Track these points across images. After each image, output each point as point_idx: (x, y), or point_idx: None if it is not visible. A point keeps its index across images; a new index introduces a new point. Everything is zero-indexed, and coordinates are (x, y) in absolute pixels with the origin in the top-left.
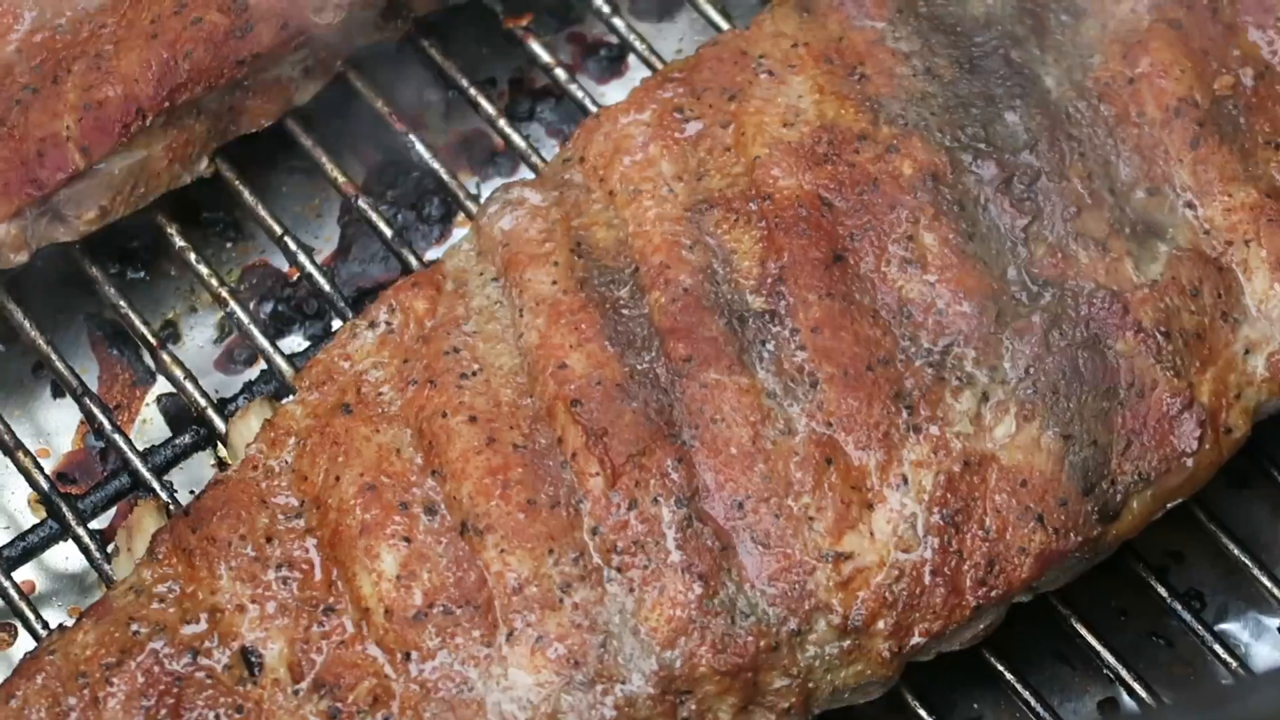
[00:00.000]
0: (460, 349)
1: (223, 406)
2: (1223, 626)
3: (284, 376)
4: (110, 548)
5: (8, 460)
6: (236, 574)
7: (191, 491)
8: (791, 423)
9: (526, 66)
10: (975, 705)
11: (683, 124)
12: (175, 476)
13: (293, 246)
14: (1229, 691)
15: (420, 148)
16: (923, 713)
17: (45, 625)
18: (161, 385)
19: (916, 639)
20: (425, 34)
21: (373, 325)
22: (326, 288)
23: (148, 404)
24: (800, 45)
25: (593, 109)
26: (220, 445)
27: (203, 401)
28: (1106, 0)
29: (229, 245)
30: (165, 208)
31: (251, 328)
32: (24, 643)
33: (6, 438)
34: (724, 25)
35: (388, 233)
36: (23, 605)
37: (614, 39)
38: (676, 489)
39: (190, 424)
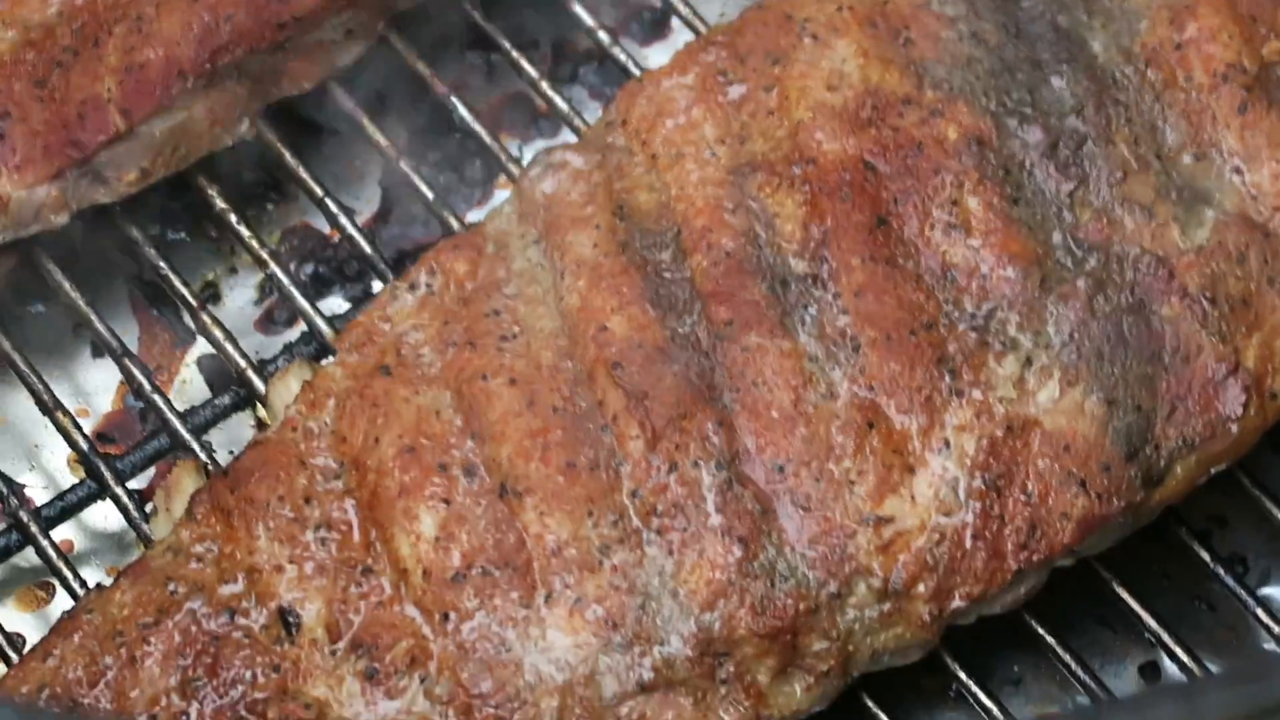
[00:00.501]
0: (501, 311)
1: (262, 368)
2: (1266, 591)
3: (324, 338)
4: (149, 508)
5: (47, 420)
6: (275, 534)
7: (231, 452)
8: (833, 387)
9: (569, 29)
10: (1015, 668)
11: (726, 87)
12: (214, 437)
13: (333, 208)
14: (1270, 665)
15: (462, 110)
16: (963, 675)
17: (83, 584)
18: (201, 346)
19: (957, 602)
20: None
21: (413, 287)
22: (367, 250)
23: (187, 365)
24: (845, 9)
25: (636, 72)
26: (260, 406)
27: (242, 362)
28: None
29: (270, 207)
30: (206, 169)
31: (292, 289)
32: (62, 601)
33: (46, 397)
34: None
35: (429, 195)
36: (61, 564)
37: (657, 2)
38: (717, 452)
39: (230, 385)
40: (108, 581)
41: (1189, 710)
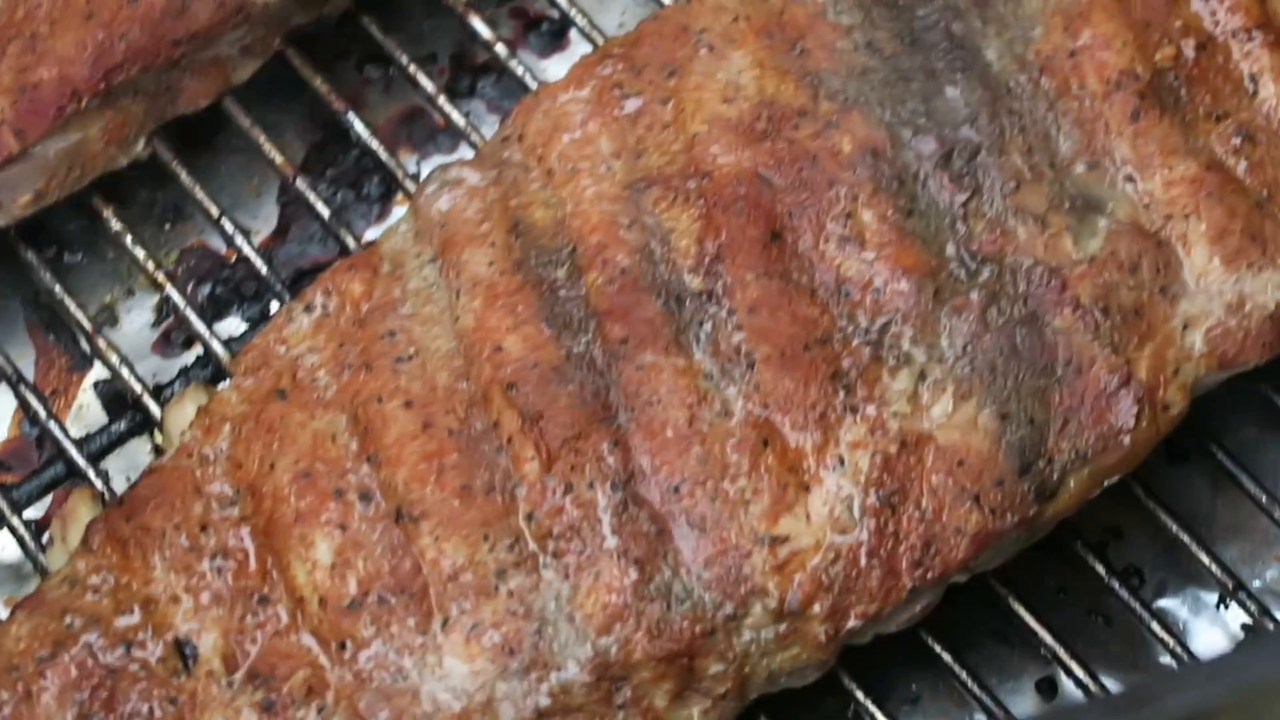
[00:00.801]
0: (396, 332)
1: (159, 392)
2: (1161, 603)
3: (220, 361)
4: (45, 537)
5: None
6: (171, 564)
7: (128, 479)
8: (728, 404)
9: (467, 42)
10: (914, 686)
11: (622, 101)
12: (111, 463)
13: (230, 229)
14: (1154, 689)
15: (359, 126)
16: (860, 695)
17: None
18: (98, 370)
19: (853, 622)
20: (365, 9)
21: (309, 309)
22: (264, 270)
23: (84, 389)
24: (741, 19)
25: (534, 85)
26: (157, 431)
27: (138, 387)
28: None
29: (166, 227)
30: (101, 189)
31: (188, 311)
32: None
33: None
34: None
35: (326, 213)
36: None
37: (554, 13)
38: (612, 473)
39: (127, 410)
40: (4, 614)
41: None
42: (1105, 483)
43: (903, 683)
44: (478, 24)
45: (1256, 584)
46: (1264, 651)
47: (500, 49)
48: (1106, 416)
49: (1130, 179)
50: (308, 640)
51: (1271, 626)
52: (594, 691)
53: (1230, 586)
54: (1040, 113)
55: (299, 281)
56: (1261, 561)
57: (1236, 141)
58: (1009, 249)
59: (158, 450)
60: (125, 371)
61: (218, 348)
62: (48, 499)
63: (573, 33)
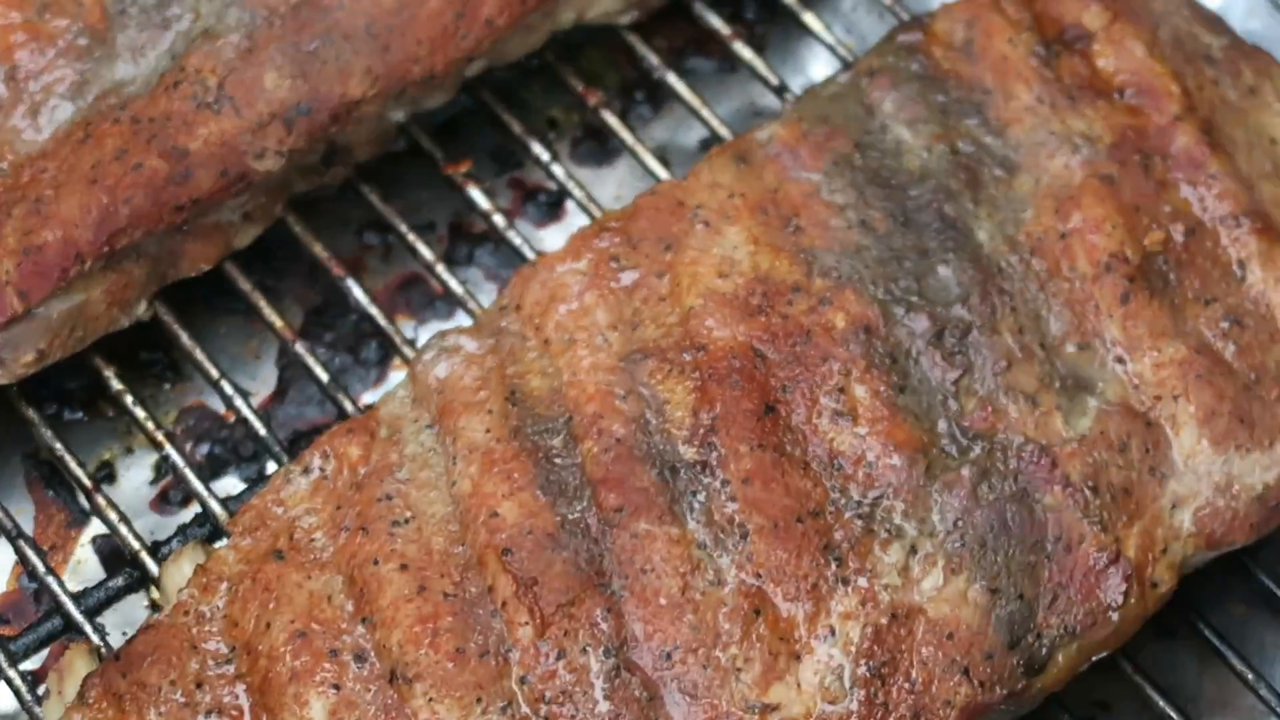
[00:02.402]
0: (393, 496)
1: (156, 550)
2: None
3: (218, 520)
4: (42, 690)
5: None
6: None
7: (124, 633)
8: (721, 573)
9: (465, 211)
10: None
11: (618, 273)
12: (108, 618)
13: (229, 390)
14: None
15: (358, 292)
16: None
17: None
18: (97, 526)
19: None
20: (365, 179)
21: (306, 471)
22: (262, 432)
23: (82, 545)
24: (736, 196)
25: (530, 255)
26: (154, 588)
27: (136, 544)
28: (1040, 155)
29: (167, 386)
30: (103, 349)
31: (186, 471)
32: None
33: None
34: (662, 173)
35: (324, 377)
36: None
37: (552, 185)
38: (605, 639)
39: (124, 566)
40: None
41: None
42: (1093, 658)
43: None
44: (476, 194)
45: None
46: None
47: (498, 219)
48: (1095, 593)
49: (1120, 360)
50: None
51: None
52: None
53: None
54: (1031, 293)
55: (297, 443)
56: None
57: (1225, 325)
58: (1000, 426)
59: (154, 606)
60: (123, 528)
61: (215, 507)
62: (45, 652)
63: (569, 204)
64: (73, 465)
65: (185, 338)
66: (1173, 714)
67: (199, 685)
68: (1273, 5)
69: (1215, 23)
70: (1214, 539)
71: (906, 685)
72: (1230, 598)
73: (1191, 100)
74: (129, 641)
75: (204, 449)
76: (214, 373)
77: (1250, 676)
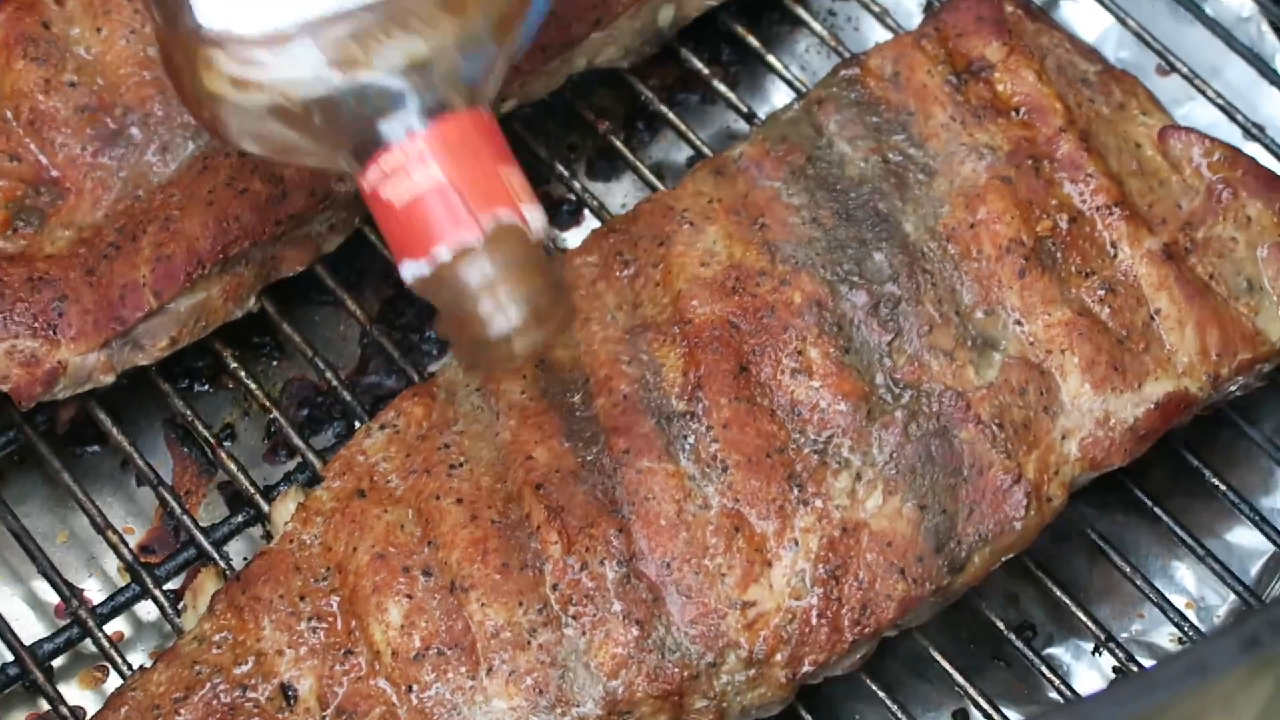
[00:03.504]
0: (450, 445)
1: (268, 493)
2: (1049, 651)
3: (315, 468)
4: (180, 605)
5: (101, 537)
6: (276, 625)
7: (244, 559)
8: (707, 500)
9: None
10: (856, 717)
11: (623, 265)
12: (231, 547)
13: (322, 365)
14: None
15: None
16: None
17: (130, 666)
18: (221, 475)
19: (807, 667)
20: None
21: (383, 427)
22: (348, 398)
23: (210, 490)
24: (715, 201)
25: (555, 252)
26: (266, 522)
27: (252, 489)
28: (953, 162)
29: (273, 363)
30: (222, 335)
31: (289, 430)
32: (114, 681)
33: (99, 519)
34: (658, 185)
35: (396, 353)
36: (112, 651)
37: (572, 197)
38: (618, 553)
39: (243, 506)
40: (149, 664)
41: None
42: (1003, 558)
43: (848, 713)
44: None
45: (1124, 635)
46: (1129, 688)
47: None
48: (1002, 507)
49: (1019, 323)
50: (383, 684)
51: (1135, 669)
52: None
53: (1103, 638)
54: (948, 272)
55: (375, 406)
56: (1127, 618)
57: (1101, 293)
58: (924, 378)
59: (267, 537)
60: (242, 477)
61: (313, 458)
62: (182, 575)
63: (585, 212)
64: (201, 428)
65: (286, 325)
66: (1068, 601)
67: (302, 598)
68: (1138, 39)
69: (1091, 53)
70: (1096, 462)
71: (855, 583)
72: (1111, 508)
73: (1072, 115)
74: (247, 565)
75: (303, 412)
76: (309, 352)
77: (1128, 570)
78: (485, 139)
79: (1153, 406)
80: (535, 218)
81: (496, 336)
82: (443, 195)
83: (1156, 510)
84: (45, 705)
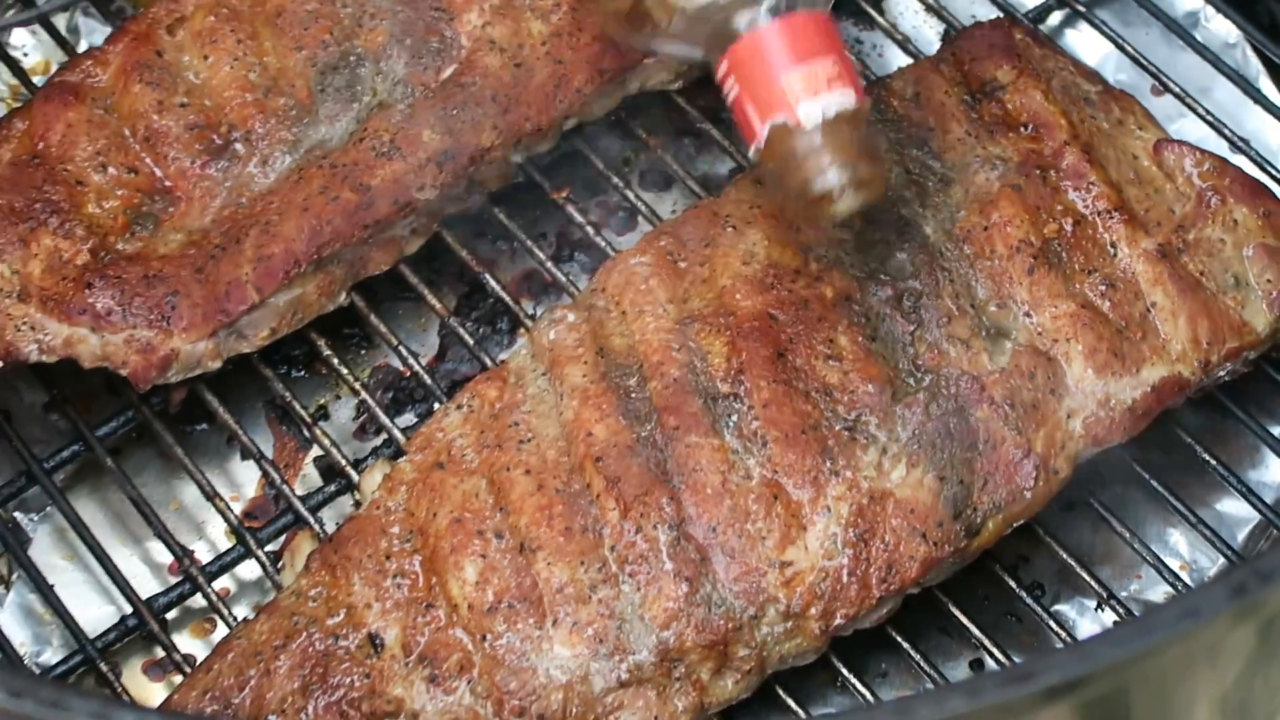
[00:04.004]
0: (519, 423)
1: (357, 465)
2: (1056, 608)
3: (399, 444)
4: (279, 564)
5: (209, 505)
6: (365, 582)
7: (336, 523)
8: (749, 471)
9: (567, 225)
10: (882, 665)
11: (674, 264)
12: (325, 514)
13: (405, 353)
14: (1046, 660)
15: (493, 283)
16: (845, 671)
17: (235, 618)
18: (316, 450)
19: (838, 620)
20: (496, 203)
21: (459, 407)
22: (429, 381)
23: (307, 463)
24: (755, 208)
25: (613, 254)
26: (356, 491)
27: (343, 462)
28: (968, 172)
29: (362, 352)
30: (316, 326)
31: (377, 410)
32: (220, 631)
33: (208, 489)
34: (703, 194)
35: (470, 343)
36: (220, 605)
37: (627, 205)
38: (669, 518)
39: (335, 477)
40: (251, 616)
41: (973, 693)
42: (1014, 524)
43: (875, 663)
44: (574, 212)
45: (1123, 594)
46: (1127, 631)
47: (589, 230)
48: (1014, 479)
49: (1028, 315)
50: (460, 634)
51: None
52: (658, 669)
53: (1104, 596)
54: (964, 270)
55: (453, 389)
56: (1126, 579)
57: (1102, 288)
58: (943, 363)
59: (356, 504)
60: (334, 451)
61: (397, 434)
62: (281, 538)
63: (639, 217)
64: (298, 408)
65: (373, 317)
66: (1073, 563)
67: (387, 557)
68: (1134, 63)
69: (1092, 75)
70: (1098, 439)
71: (882, 546)
72: (1112, 480)
73: (1075, 130)
74: (339, 529)
75: (388, 395)
76: (394, 341)
77: (1128, 535)
78: (820, 34)
79: (1149, 389)
80: (849, 99)
81: (819, 195)
82: (776, 78)
83: (1153, 482)
84: (160, 653)
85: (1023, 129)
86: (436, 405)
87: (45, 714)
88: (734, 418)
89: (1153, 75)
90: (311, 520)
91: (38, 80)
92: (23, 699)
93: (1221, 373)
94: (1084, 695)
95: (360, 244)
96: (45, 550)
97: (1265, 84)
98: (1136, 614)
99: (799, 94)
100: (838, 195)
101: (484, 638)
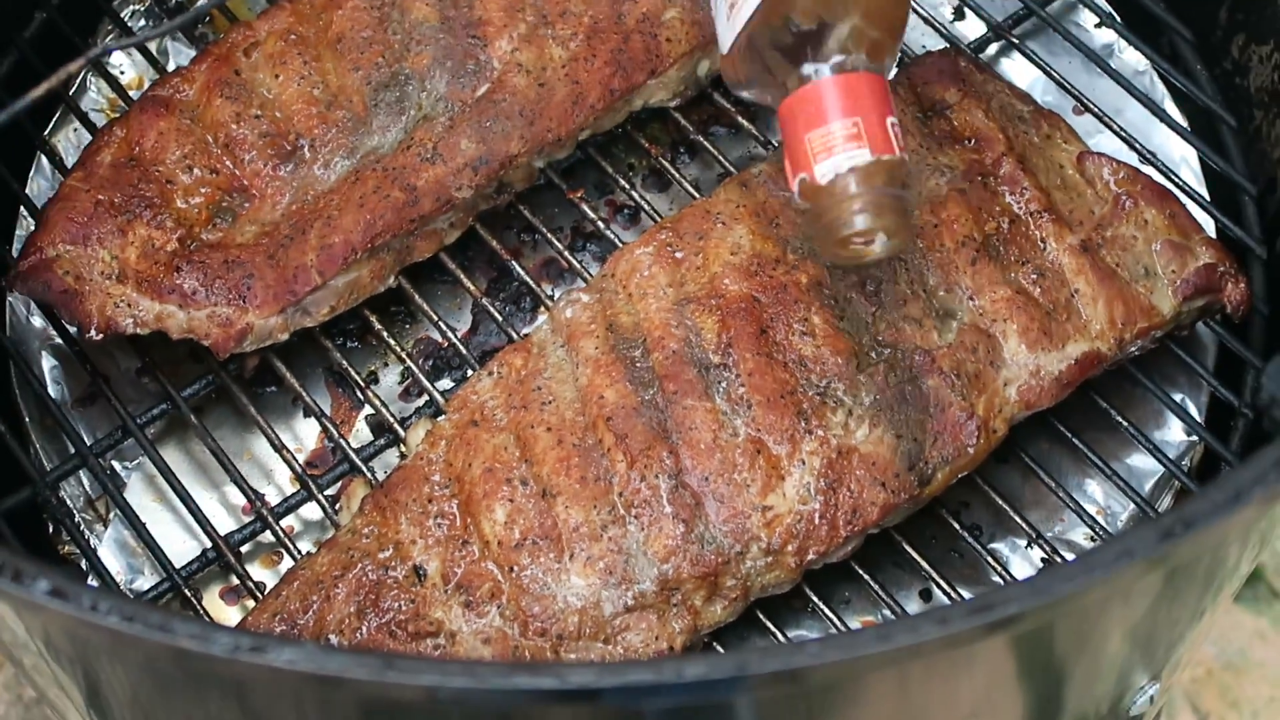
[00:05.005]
0: (541, 388)
1: (404, 423)
2: (992, 546)
3: (439, 405)
4: (337, 507)
5: (277, 455)
6: (410, 521)
7: (385, 471)
8: (736, 430)
9: (581, 220)
10: (846, 594)
11: (672, 254)
12: (376, 463)
13: (443, 327)
14: (991, 596)
15: (518, 269)
16: (815, 598)
17: (299, 552)
18: (368, 409)
19: (811, 556)
20: (520, 201)
21: (490, 374)
22: (464, 351)
23: (360, 421)
24: (741, 206)
25: (620, 245)
26: (402, 445)
27: (391, 419)
28: (921, 178)
29: (407, 326)
30: (369, 304)
31: (420, 375)
32: (286, 562)
33: (276, 442)
34: (696, 195)
35: (499, 319)
36: (286, 540)
37: (632, 203)
38: (669, 469)
39: (385, 433)
40: (314, 550)
41: (943, 622)
42: (958, 475)
43: (840, 592)
44: (586, 209)
45: (1049, 535)
46: (1072, 568)
47: (600, 224)
48: (959, 437)
49: (971, 298)
50: (491, 566)
51: (1059, 559)
52: (659, 596)
53: (1033, 536)
54: (917, 260)
55: (484, 358)
56: (1051, 522)
57: (1034, 277)
58: (900, 339)
59: (403, 456)
60: (384, 410)
61: (438, 397)
62: (338, 484)
63: (642, 214)
64: (353, 373)
65: (417, 297)
66: (1007, 508)
67: (429, 501)
68: (1059, 86)
69: (1025, 96)
70: (1029, 404)
71: (848, 493)
72: (1039, 438)
73: (1011, 143)
74: (388, 477)
75: (429, 363)
76: (434, 316)
77: (1053, 485)
78: (848, 97)
79: (1073, 362)
80: (862, 156)
81: (844, 239)
82: (800, 139)
83: (1075, 440)
84: (235, 581)
85: (967, 142)
86: (470, 372)
87: (153, 635)
88: (724, 384)
89: (1075, 97)
90: (364, 469)
91: (133, 94)
92: (134, 622)
93: (1133, 349)
94: (1025, 626)
95: (407, 235)
96: (138, 494)
97: (1169, 106)
98: (1060, 552)
99: (816, 154)
100: (861, 242)
101: (511, 569)
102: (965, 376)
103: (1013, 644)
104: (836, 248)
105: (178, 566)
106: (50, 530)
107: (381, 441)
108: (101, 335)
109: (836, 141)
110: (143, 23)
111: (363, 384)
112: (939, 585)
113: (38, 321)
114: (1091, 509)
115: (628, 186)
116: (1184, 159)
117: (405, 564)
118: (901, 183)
